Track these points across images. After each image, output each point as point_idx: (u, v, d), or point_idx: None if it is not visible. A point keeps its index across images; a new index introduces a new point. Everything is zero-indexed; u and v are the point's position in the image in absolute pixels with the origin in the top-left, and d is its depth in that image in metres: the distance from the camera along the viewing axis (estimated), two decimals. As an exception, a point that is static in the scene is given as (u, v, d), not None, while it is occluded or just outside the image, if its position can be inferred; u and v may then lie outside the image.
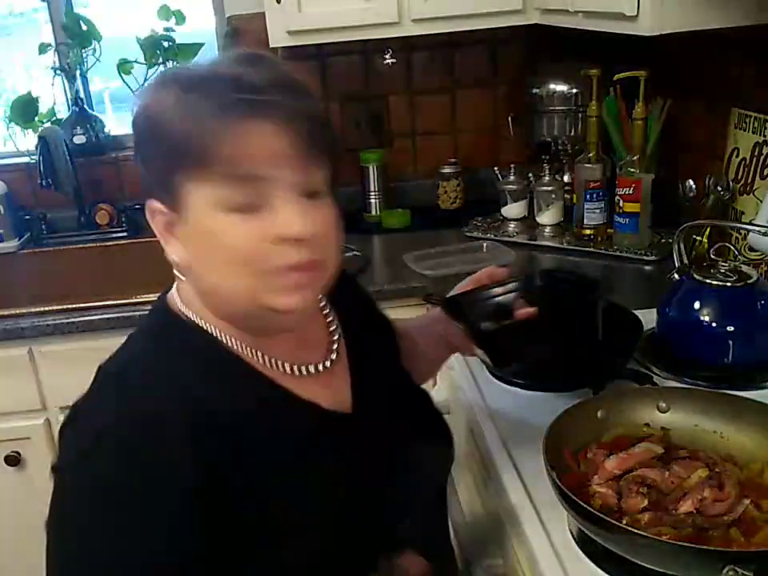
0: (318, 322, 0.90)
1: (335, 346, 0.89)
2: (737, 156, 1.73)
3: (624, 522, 0.88)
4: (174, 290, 0.85)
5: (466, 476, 1.34)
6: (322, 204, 0.77)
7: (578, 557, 0.92)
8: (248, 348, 0.81)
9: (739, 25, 1.40)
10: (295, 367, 0.83)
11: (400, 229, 2.22)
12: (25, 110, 2.28)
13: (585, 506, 0.87)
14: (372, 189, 2.29)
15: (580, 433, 1.03)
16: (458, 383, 1.38)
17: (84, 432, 0.75)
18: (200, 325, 0.81)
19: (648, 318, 1.37)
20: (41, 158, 2.14)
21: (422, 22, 1.95)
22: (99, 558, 0.70)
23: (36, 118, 2.30)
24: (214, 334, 0.80)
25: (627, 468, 0.96)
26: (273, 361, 0.82)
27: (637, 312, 1.38)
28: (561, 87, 2.13)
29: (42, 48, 2.29)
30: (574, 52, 2.11)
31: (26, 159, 2.33)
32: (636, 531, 0.83)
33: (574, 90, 2.11)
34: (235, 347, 0.81)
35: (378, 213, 2.30)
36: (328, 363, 0.87)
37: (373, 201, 2.30)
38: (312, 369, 0.84)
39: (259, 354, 0.81)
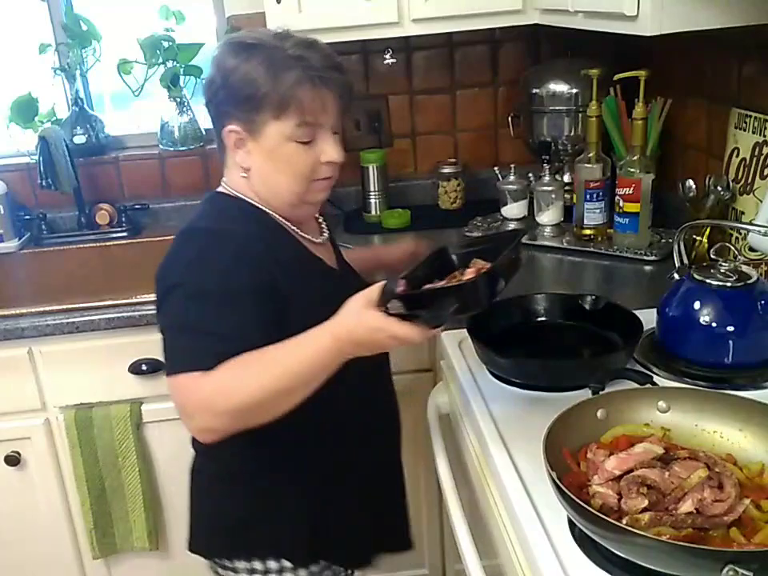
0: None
1: (325, 231, 1.37)
2: (737, 156, 1.73)
3: (624, 522, 0.88)
4: (222, 187, 1.26)
5: (466, 475, 1.34)
6: (338, 139, 1.23)
7: (577, 557, 0.93)
8: (284, 220, 1.25)
9: (739, 25, 1.40)
10: (309, 236, 1.29)
11: (400, 229, 2.22)
12: (25, 109, 2.29)
13: (585, 506, 0.87)
14: (372, 189, 2.29)
15: (580, 433, 1.03)
16: (458, 383, 1.38)
17: (190, 248, 1.18)
18: (252, 203, 1.23)
19: (648, 317, 1.37)
20: (41, 158, 2.13)
21: (421, 22, 1.96)
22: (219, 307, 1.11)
23: (36, 118, 2.30)
24: (263, 209, 1.23)
25: (627, 468, 0.96)
26: (297, 230, 1.27)
27: (637, 312, 1.38)
28: (561, 87, 2.13)
29: (42, 48, 2.29)
30: (574, 52, 2.11)
31: (26, 159, 2.33)
32: (636, 531, 0.83)
33: (574, 90, 2.11)
34: (277, 218, 1.25)
35: (378, 213, 2.30)
36: (323, 239, 1.34)
37: (373, 201, 2.30)
38: (317, 239, 1.32)
39: (290, 225, 1.26)
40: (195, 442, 1.31)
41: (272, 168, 1.20)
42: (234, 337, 1.08)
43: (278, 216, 1.24)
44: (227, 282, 1.12)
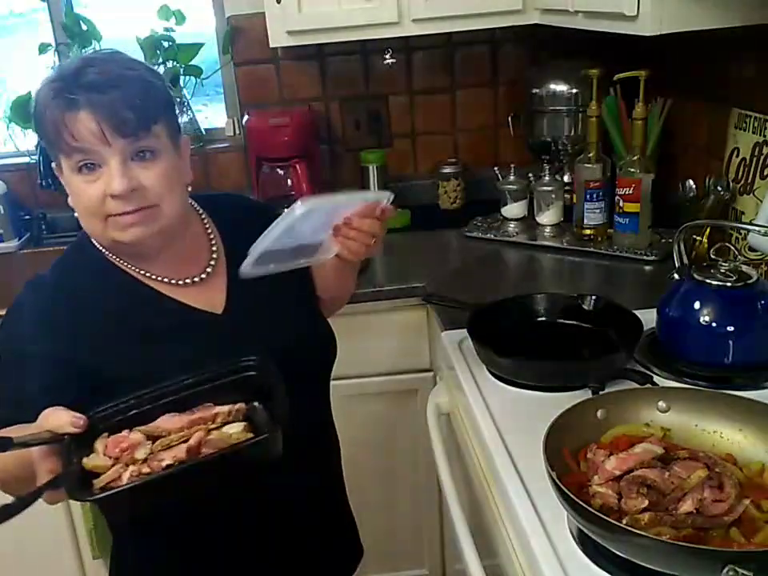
0: (200, 244, 1.18)
1: (213, 263, 1.16)
2: (737, 156, 1.73)
3: (624, 522, 0.88)
4: None
5: (466, 475, 1.34)
6: (152, 162, 1.04)
7: (577, 557, 0.93)
8: (128, 264, 1.12)
9: (739, 25, 1.40)
10: (174, 280, 1.12)
11: (400, 229, 2.22)
12: (25, 109, 2.28)
13: (585, 506, 0.87)
14: (372, 189, 2.29)
15: (580, 433, 1.03)
16: (458, 383, 1.38)
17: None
18: (96, 246, 1.12)
19: (648, 317, 1.37)
20: (41, 158, 2.13)
21: (421, 22, 1.96)
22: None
23: (36, 118, 2.30)
24: (105, 254, 1.12)
25: (627, 468, 0.96)
26: (153, 275, 1.12)
27: (637, 312, 1.38)
28: (561, 87, 2.13)
29: (42, 48, 2.29)
30: (574, 52, 2.11)
31: (26, 159, 2.33)
32: (636, 531, 0.83)
33: (574, 90, 2.11)
34: (118, 262, 1.12)
35: (378, 213, 2.29)
36: (204, 276, 1.14)
37: (373, 201, 2.30)
38: (189, 280, 1.13)
39: (140, 269, 1.11)
40: None
41: (74, 205, 1.08)
42: (11, 404, 1.00)
43: (115, 258, 1.12)
44: (16, 340, 1.06)
